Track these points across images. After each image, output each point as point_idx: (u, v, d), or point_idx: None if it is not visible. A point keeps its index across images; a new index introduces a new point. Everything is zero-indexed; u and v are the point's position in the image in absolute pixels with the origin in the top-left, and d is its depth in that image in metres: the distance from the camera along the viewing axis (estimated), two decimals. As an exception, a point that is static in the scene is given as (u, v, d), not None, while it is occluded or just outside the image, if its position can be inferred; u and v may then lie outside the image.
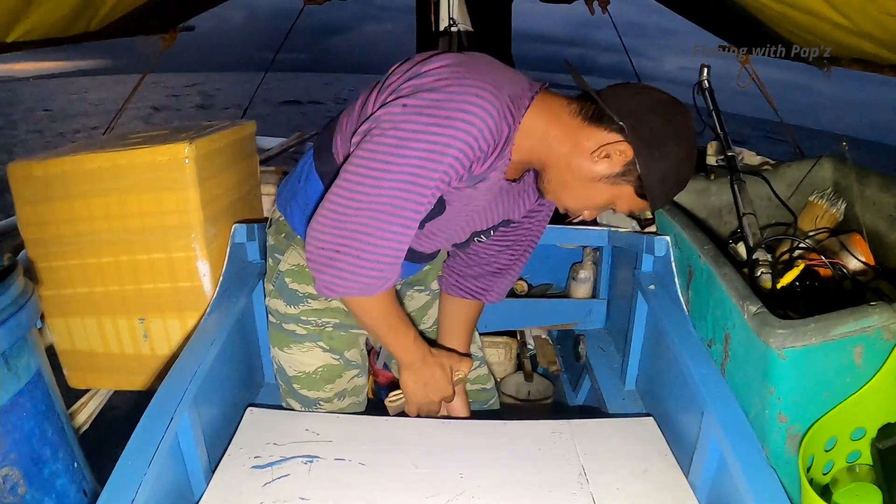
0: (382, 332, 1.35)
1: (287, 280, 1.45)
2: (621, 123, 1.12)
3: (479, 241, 1.47)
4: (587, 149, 1.16)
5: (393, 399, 1.49)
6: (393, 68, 1.24)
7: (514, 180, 1.33)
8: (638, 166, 1.13)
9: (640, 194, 1.17)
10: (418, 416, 1.48)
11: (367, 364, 1.61)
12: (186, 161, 1.50)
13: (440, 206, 1.24)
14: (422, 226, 1.27)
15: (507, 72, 1.20)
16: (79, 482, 1.34)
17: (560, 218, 2.03)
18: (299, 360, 1.49)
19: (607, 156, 1.14)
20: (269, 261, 1.51)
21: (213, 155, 1.60)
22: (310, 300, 1.45)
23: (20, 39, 1.82)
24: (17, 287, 1.23)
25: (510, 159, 1.20)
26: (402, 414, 1.49)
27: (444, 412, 1.54)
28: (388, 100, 1.15)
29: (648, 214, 1.83)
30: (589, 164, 1.16)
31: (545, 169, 1.23)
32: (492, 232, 1.44)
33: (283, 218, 1.45)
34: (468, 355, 1.56)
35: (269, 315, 1.52)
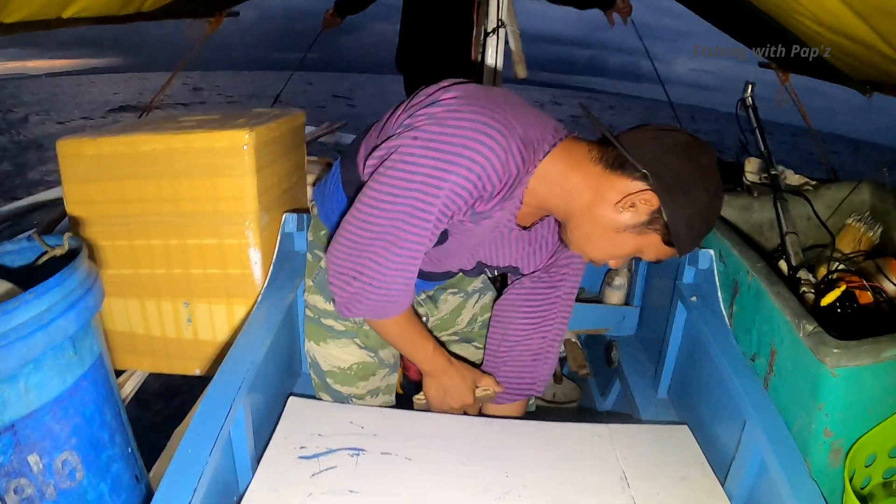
0: (401, 346, 1.40)
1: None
2: (644, 171, 1.10)
3: (489, 275, 1.51)
4: (610, 199, 1.14)
5: (421, 398, 1.52)
6: (420, 90, 1.25)
7: (527, 228, 1.34)
8: (664, 214, 1.11)
9: (667, 241, 1.15)
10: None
11: (398, 363, 1.64)
12: (245, 147, 1.51)
13: (442, 236, 1.25)
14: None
15: (528, 112, 1.18)
16: (132, 467, 1.33)
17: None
18: (335, 355, 1.50)
19: (632, 205, 1.13)
20: (309, 256, 1.53)
21: (269, 143, 1.60)
22: None
23: (77, 16, 1.81)
24: (84, 269, 1.22)
25: (521, 202, 1.20)
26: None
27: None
28: (405, 122, 1.17)
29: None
30: (613, 213, 1.14)
31: (568, 220, 1.22)
32: (496, 271, 1.47)
33: (320, 216, 1.48)
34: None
35: (307, 309, 1.53)
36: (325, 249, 1.46)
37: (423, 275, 1.43)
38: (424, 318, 1.66)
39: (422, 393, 1.52)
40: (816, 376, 1.19)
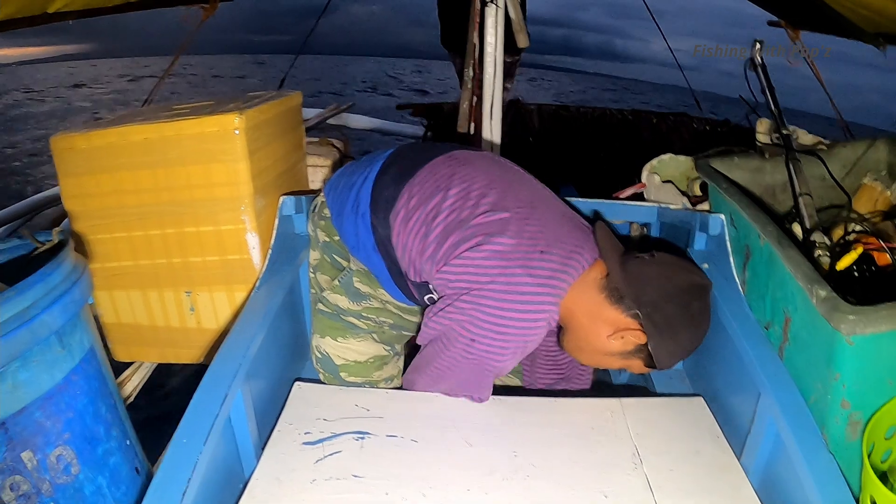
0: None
1: (355, 279, 1.50)
2: (638, 312, 1.25)
3: None
4: (604, 329, 1.29)
5: None
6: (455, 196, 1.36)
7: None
8: (650, 348, 1.27)
9: (649, 365, 1.31)
10: None
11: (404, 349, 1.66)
12: (236, 132, 1.48)
13: None
14: None
15: (565, 229, 1.35)
16: (131, 460, 1.33)
17: (608, 192, 2.01)
18: (354, 348, 1.52)
19: (622, 337, 1.28)
20: (326, 257, 1.56)
21: (262, 126, 1.58)
22: (371, 299, 1.52)
23: (63, 9, 1.78)
24: (69, 263, 1.21)
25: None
26: None
27: None
28: (456, 279, 1.30)
29: (698, 192, 1.79)
30: (604, 340, 1.30)
31: (566, 329, 1.36)
32: None
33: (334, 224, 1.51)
34: None
35: (322, 305, 1.53)
36: (351, 258, 1.52)
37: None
38: None
39: None
40: (831, 345, 1.14)
